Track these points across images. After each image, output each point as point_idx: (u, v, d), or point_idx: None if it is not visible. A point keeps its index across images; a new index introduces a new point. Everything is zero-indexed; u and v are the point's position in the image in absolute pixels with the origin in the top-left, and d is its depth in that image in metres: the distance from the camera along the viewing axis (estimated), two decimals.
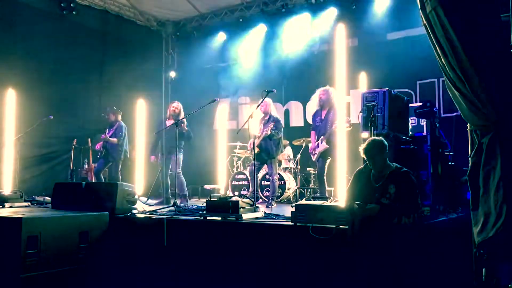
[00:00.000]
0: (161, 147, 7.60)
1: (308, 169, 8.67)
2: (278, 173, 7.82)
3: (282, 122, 7.77)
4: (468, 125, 3.44)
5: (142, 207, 6.02)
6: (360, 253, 3.61)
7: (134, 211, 5.62)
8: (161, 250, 4.92)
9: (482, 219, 3.11)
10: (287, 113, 10.18)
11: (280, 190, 8.07)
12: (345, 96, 6.82)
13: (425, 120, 6.04)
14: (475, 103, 3.11)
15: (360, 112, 5.18)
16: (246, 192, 8.05)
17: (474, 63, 3.06)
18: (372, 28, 8.90)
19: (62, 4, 8.97)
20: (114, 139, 8.21)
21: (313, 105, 7.06)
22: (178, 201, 6.47)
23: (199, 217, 4.99)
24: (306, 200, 5.97)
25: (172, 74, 11.29)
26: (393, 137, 5.01)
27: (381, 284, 3.54)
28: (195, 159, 9.63)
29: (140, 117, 8.96)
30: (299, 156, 8.66)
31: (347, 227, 3.80)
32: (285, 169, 8.64)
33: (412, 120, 6.33)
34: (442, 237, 4.66)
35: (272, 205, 6.91)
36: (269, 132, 7.02)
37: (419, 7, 3.33)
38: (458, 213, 5.20)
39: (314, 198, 6.19)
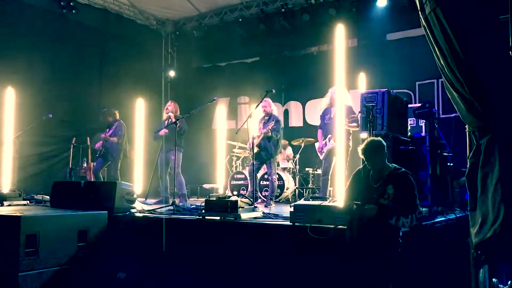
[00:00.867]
0: (160, 146, 7.63)
1: (307, 169, 8.68)
2: (277, 173, 7.83)
3: (282, 122, 7.78)
4: (466, 126, 3.44)
5: (141, 206, 6.02)
6: (358, 253, 3.62)
7: (133, 210, 5.62)
8: (159, 249, 4.92)
9: (480, 220, 3.12)
10: (286, 113, 10.19)
11: (279, 190, 8.08)
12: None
13: (424, 120, 6.05)
14: (473, 104, 3.12)
15: (359, 112, 5.18)
16: (245, 191, 8.05)
17: (473, 65, 3.06)
18: (371, 28, 8.91)
19: (62, 3, 8.96)
20: (114, 138, 8.21)
21: (324, 104, 7.03)
22: (177, 201, 6.48)
23: (197, 217, 4.99)
24: (305, 200, 5.96)
25: (172, 73, 11.29)
26: (392, 138, 5.02)
27: (379, 284, 3.54)
28: (194, 159, 9.64)
29: (139, 116, 8.95)
30: (298, 156, 8.67)
31: (345, 227, 3.81)
32: (284, 169, 8.65)
33: (411, 121, 6.34)
34: (440, 237, 4.67)
35: (271, 204, 6.91)
36: (269, 134, 7.02)
37: (419, 8, 3.33)
38: (456, 214, 5.21)
39: (313, 198, 6.19)
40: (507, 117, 3.08)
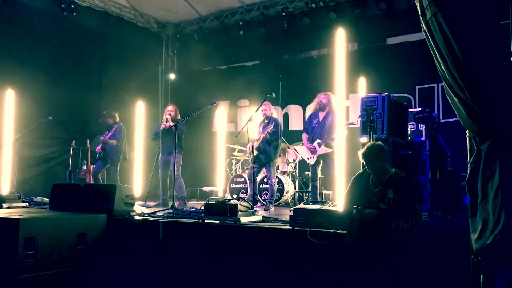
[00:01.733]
0: (159, 148, 7.62)
1: (306, 172, 8.66)
2: (277, 176, 7.82)
3: (282, 125, 7.78)
4: (467, 131, 3.43)
5: (141, 209, 6.01)
6: (358, 258, 3.61)
7: (132, 213, 5.61)
8: (158, 252, 4.91)
9: (480, 226, 3.11)
10: (286, 117, 10.19)
11: (278, 194, 8.07)
12: (344, 101, 6.85)
13: (424, 125, 6.05)
14: (474, 109, 3.11)
15: (359, 116, 5.19)
16: (245, 195, 8.04)
17: (474, 70, 3.06)
18: (371, 32, 8.92)
19: (62, 5, 8.96)
20: (113, 141, 8.21)
21: (311, 108, 7.11)
22: (176, 204, 6.47)
23: (197, 220, 4.99)
24: (305, 204, 5.96)
25: (172, 76, 11.30)
26: (392, 142, 5.02)
27: None
28: (193, 162, 9.63)
29: (139, 118, 8.96)
30: (297, 159, 8.66)
31: (345, 231, 3.80)
32: (284, 172, 8.64)
33: (411, 125, 6.34)
34: (439, 243, 4.65)
35: (270, 208, 6.90)
36: (268, 137, 7.03)
37: (419, 13, 3.33)
38: (456, 219, 5.20)
39: (313, 202, 6.20)
40: (508, 123, 3.07)
